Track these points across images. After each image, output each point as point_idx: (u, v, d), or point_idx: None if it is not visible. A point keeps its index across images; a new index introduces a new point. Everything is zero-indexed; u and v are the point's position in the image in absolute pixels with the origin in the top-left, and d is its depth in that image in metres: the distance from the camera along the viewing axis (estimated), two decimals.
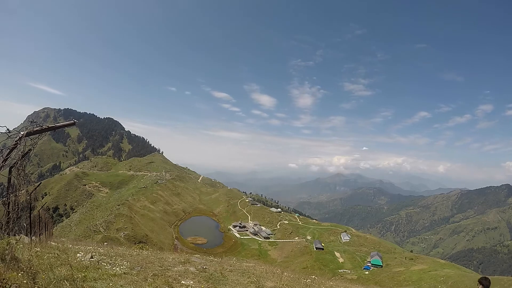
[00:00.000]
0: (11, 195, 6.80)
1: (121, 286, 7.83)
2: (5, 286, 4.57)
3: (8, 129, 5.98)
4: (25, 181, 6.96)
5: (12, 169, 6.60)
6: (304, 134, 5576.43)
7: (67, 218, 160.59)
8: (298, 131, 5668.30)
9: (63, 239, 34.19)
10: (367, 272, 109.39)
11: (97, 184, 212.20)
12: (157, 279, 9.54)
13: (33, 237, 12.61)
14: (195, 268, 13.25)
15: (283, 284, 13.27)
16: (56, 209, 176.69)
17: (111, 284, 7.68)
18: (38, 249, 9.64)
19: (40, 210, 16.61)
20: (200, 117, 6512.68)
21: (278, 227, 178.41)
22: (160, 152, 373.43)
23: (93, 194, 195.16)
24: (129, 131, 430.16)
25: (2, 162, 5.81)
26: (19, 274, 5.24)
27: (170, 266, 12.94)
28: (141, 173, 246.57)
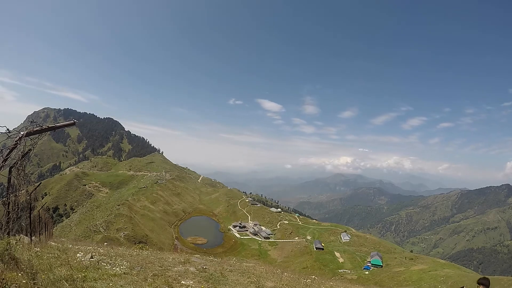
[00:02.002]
0: (11, 195, 6.79)
1: (121, 286, 7.83)
2: (4, 286, 4.56)
3: (8, 129, 5.97)
4: (25, 181, 6.96)
5: (12, 169, 6.59)
6: (331, 139, 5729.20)
7: (67, 218, 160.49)
8: (326, 137, 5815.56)
9: (63, 239, 34.20)
10: (367, 272, 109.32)
11: (97, 184, 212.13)
12: (157, 279, 9.54)
13: (33, 237, 12.60)
14: (195, 268, 13.25)
15: (283, 284, 13.27)
16: (56, 209, 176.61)
17: (111, 284, 7.67)
18: (38, 249, 9.64)
19: (40, 210, 16.62)
20: (230, 123, 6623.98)
21: (278, 227, 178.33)
22: (160, 152, 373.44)
23: (93, 194, 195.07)
24: (129, 131, 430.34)
25: (2, 162, 5.80)
26: (19, 274, 5.24)
27: (170, 266, 12.94)
28: (141, 173, 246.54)
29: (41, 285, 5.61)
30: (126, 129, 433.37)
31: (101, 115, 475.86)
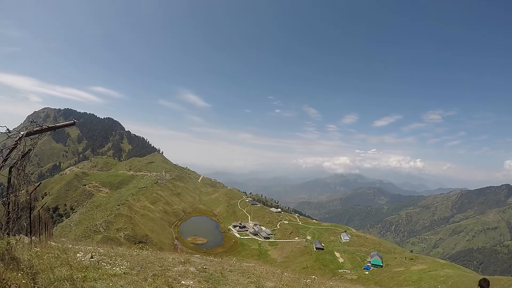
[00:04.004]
0: (11, 195, 6.79)
1: (121, 286, 7.83)
2: (4, 286, 4.56)
3: (8, 129, 5.97)
4: (25, 181, 6.96)
5: (12, 169, 6.59)
6: (353, 143, 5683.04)
7: (67, 218, 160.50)
8: (349, 141, 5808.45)
9: (63, 239, 34.22)
10: (367, 272, 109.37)
11: (97, 184, 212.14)
12: (157, 279, 9.54)
13: (33, 237, 12.61)
14: (195, 268, 13.26)
15: (283, 284, 13.27)
16: (56, 209, 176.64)
17: (111, 284, 7.68)
18: (38, 249, 9.64)
19: (40, 210, 16.63)
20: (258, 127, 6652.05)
21: (278, 227, 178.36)
22: (160, 152, 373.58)
23: (93, 194, 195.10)
24: (129, 131, 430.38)
25: (2, 162, 5.80)
26: (19, 274, 5.24)
27: (170, 266, 12.94)
28: (141, 173, 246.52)
29: (41, 285, 5.61)
30: (126, 129, 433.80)
31: (103, 115, 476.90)
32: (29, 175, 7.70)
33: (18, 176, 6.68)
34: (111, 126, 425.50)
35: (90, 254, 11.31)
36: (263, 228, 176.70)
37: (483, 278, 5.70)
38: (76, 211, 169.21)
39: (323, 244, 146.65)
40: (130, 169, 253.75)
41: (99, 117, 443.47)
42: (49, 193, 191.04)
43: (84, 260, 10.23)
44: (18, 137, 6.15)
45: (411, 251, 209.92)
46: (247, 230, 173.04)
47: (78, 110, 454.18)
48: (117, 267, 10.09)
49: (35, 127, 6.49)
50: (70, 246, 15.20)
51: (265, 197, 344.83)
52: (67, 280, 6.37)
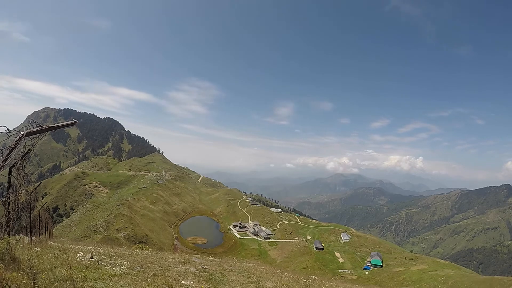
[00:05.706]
0: (11, 195, 6.79)
1: (121, 286, 7.83)
2: (5, 286, 4.56)
3: (8, 129, 5.97)
4: (25, 181, 6.96)
5: (12, 169, 6.59)
6: (369, 147, 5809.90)
7: (67, 218, 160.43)
8: (366, 144, 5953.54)
9: (63, 239, 34.20)
10: (367, 272, 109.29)
11: (97, 184, 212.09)
12: (157, 279, 9.54)
13: (33, 237, 12.61)
14: (195, 268, 13.26)
15: (283, 284, 13.27)
16: (56, 209, 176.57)
17: (111, 284, 7.67)
18: (38, 249, 9.64)
19: (40, 210, 16.63)
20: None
21: (278, 227, 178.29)
22: (160, 152, 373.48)
23: (93, 194, 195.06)
24: (129, 131, 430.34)
25: (2, 162, 5.80)
26: (19, 274, 5.24)
27: (170, 266, 12.94)
28: (141, 173, 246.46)
29: (41, 285, 5.62)
30: (126, 129, 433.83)
31: (103, 115, 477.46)
32: (29, 175, 7.70)
33: (18, 176, 6.68)
34: (111, 126, 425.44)
35: (90, 254, 11.31)
36: (263, 228, 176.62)
37: None
38: (76, 211, 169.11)
39: (323, 244, 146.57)
40: (130, 169, 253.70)
41: (99, 117, 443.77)
42: (49, 193, 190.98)
43: (84, 260, 10.24)
44: (18, 137, 6.14)
45: (411, 251, 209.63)
46: (247, 230, 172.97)
47: (78, 110, 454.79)
48: (117, 267, 10.09)
49: (35, 127, 6.49)
50: (70, 246, 15.20)
51: (265, 197, 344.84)
52: (67, 280, 6.37)
